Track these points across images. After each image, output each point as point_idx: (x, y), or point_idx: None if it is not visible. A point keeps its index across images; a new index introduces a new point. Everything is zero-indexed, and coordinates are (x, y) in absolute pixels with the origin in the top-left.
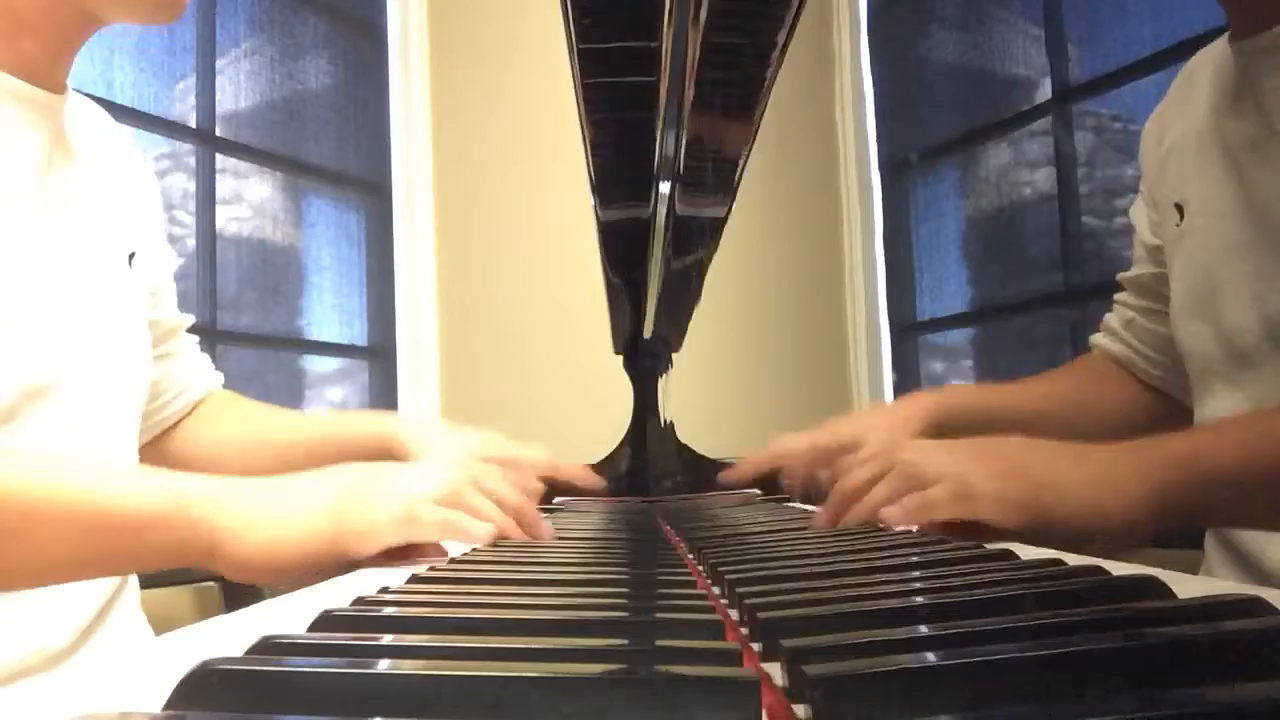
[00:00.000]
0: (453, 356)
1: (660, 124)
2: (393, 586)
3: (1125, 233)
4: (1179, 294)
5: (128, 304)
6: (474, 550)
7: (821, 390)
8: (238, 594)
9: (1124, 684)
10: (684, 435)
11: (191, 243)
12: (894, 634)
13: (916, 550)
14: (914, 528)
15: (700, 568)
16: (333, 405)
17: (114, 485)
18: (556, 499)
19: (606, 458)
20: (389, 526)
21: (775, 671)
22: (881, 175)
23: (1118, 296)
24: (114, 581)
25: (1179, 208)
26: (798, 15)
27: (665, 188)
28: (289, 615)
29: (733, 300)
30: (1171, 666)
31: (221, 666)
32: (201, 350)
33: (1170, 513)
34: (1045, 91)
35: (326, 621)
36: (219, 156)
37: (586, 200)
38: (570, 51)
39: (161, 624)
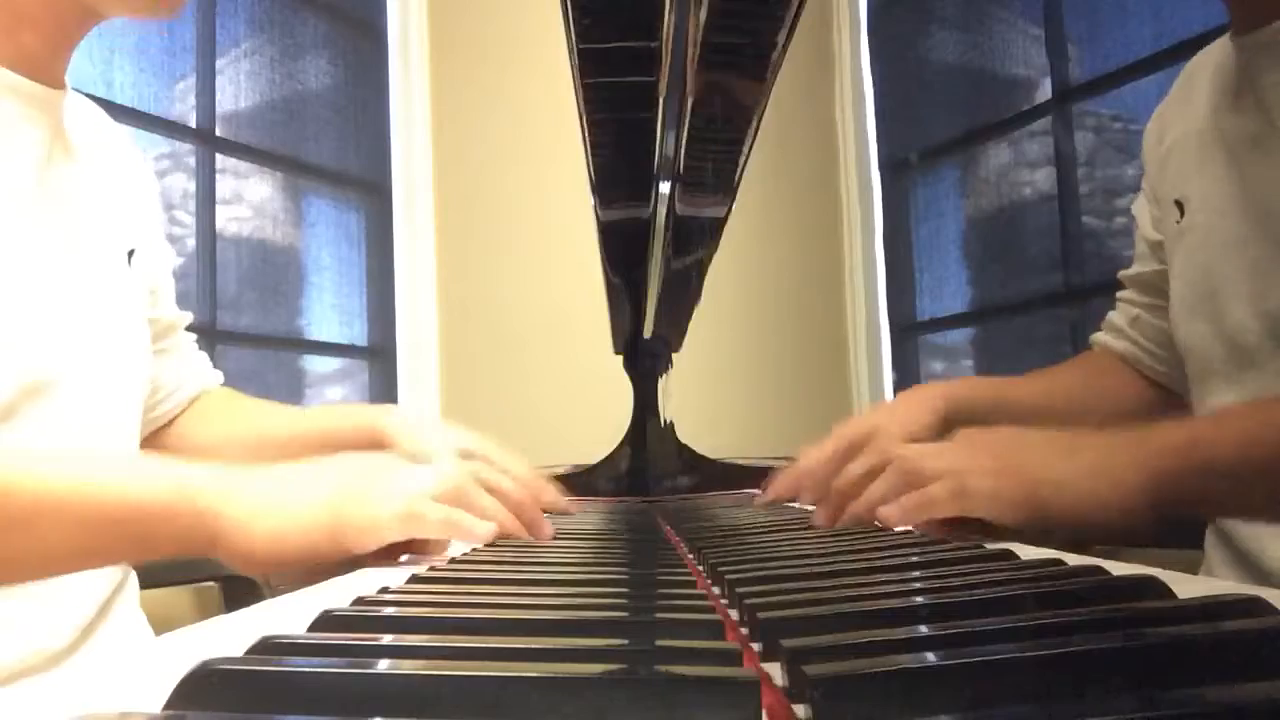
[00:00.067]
0: (453, 356)
1: (660, 124)
2: (393, 586)
3: (1125, 233)
4: (1179, 291)
5: (127, 301)
6: (474, 550)
7: (821, 390)
8: (238, 594)
9: (1124, 684)
10: (684, 435)
11: (191, 243)
12: (894, 634)
13: (916, 550)
14: (913, 528)
15: (700, 568)
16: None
17: (116, 475)
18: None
19: (606, 458)
20: (391, 523)
21: (775, 671)
22: (881, 175)
23: (1120, 295)
24: (113, 580)
25: (1179, 205)
26: (798, 15)
27: (665, 188)
28: (289, 615)
29: (733, 300)
30: (1171, 666)
31: (221, 666)
32: (200, 349)
33: (1167, 502)
34: (1045, 91)
35: (326, 621)
36: (219, 156)
37: (586, 200)
38: (570, 51)
39: (161, 624)
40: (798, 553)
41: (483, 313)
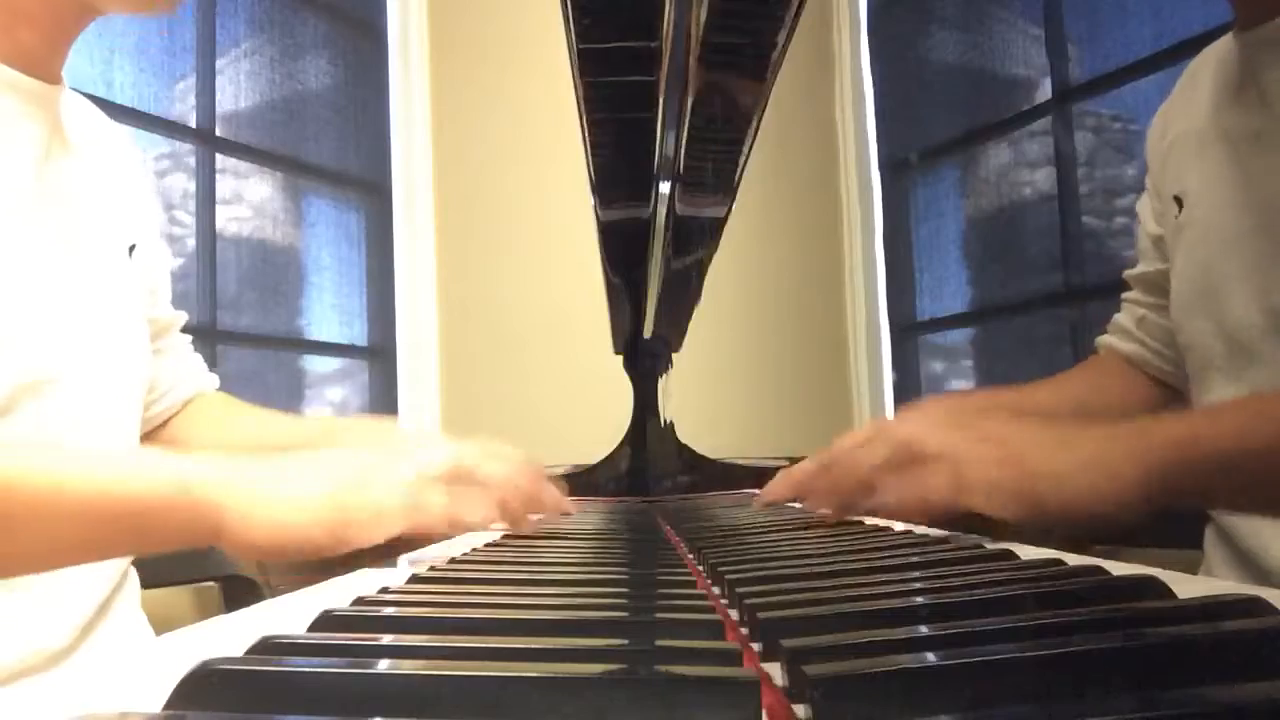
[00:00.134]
0: (453, 356)
1: (660, 124)
2: (393, 586)
3: (1126, 232)
4: (1179, 287)
5: (127, 297)
6: (474, 550)
7: (821, 390)
8: (238, 594)
9: (1124, 684)
10: (684, 435)
11: (191, 243)
12: (894, 634)
13: (916, 550)
14: (913, 527)
15: (700, 568)
16: (333, 405)
17: (118, 468)
18: None
19: (606, 458)
20: (394, 515)
21: (775, 671)
22: (881, 175)
23: (1126, 295)
24: (113, 580)
25: (1178, 200)
26: (798, 15)
27: (665, 188)
28: (289, 615)
29: (733, 300)
30: (1171, 666)
31: (221, 666)
32: (199, 351)
33: (1165, 495)
34: (1045, 91)
35: (326, 621)
36: (219, 156)
37: (586, 200)
38: (570, 51)
39: (161, 624)
40: (798, 553)
41: (483, 313)
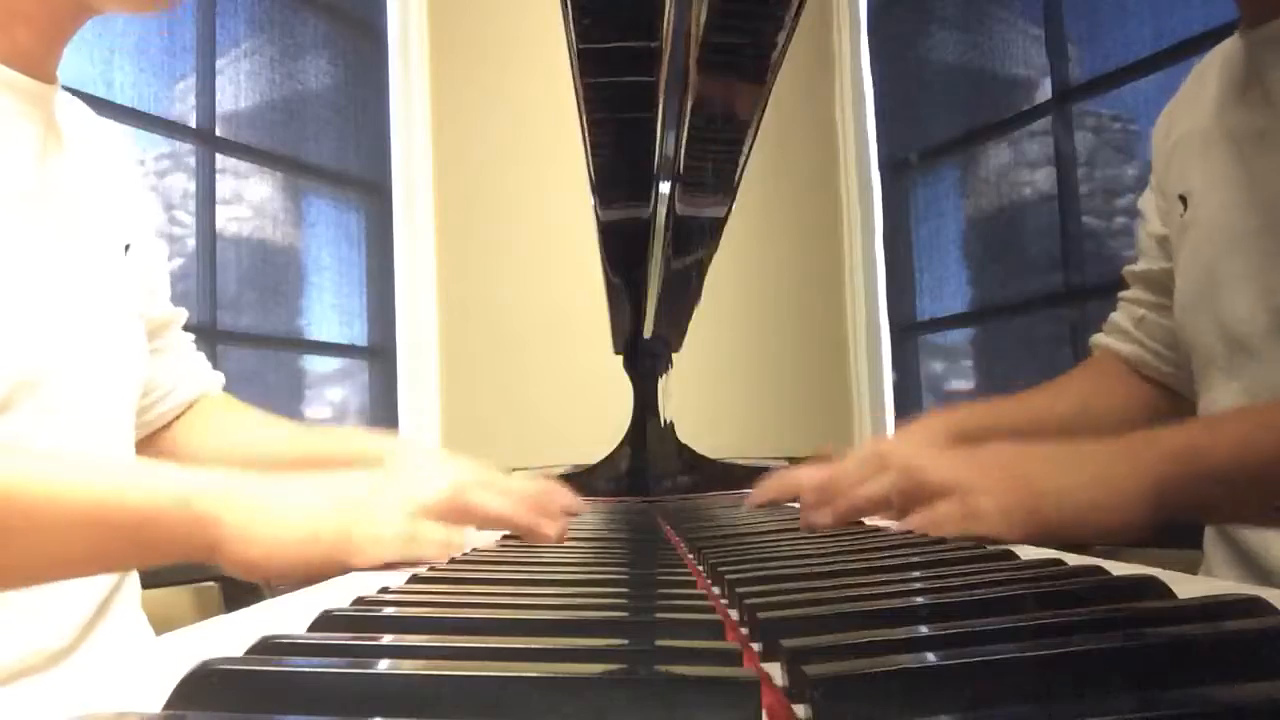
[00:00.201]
0: (453, 356)
1: (660, 124)
2: (393, 586)
3: (1126, 232)
4: (1183, 286)
5: (123, 295)
6: (474, 550)
7: (821, 390)
8: (238, 594)
9: (1124, 684)
10: (684, 435)
11: (191, 243)
12: (894, 634)
13: (916, 550)
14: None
15: (700, 568)
16: (333, 405)
17: (116, 481)
18: None
19: (606, 458)
20: (392, 544)
21: (775, 671)
22: (881, 175)
23: (1124, 294)
24: (113, 579)
25: (1183, 199)
26: (798, 15)
27: (665, 188)
28: (289, 615)
29: (733, 300)
30: (1171, 666)
31: (221, 666)
32: (201, 351)
33: (1167, 508)
34: (1045, 91)
35: (326, 621)
36: (219, 156)
37: (586, 200)
38: (570, 51)
39: (161, 624)
40: (798, 553)
41: (483, 313)
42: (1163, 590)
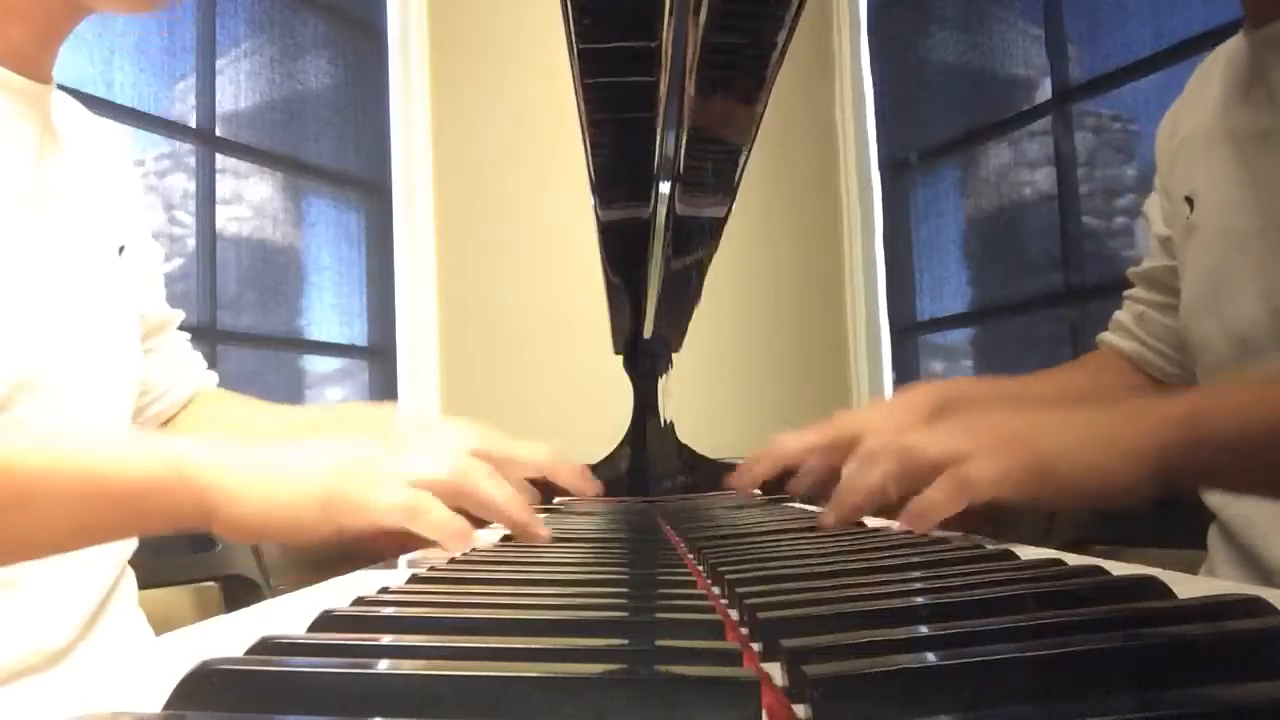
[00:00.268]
0: (453, 356)
1: (660, 124)
2: (393, 586)
3: (1126, 232)
4: (1188, 287)
5: (118, 296)
6: (474, 550)
7: (821, 390)
8: (238, 594)
9: (1124, 684)
10: (684, 435)
11: (191, 243)
12: (894, 634)
13: (916, 550)
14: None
15: (700, 568)
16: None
17: (110, 452)
18: (556, 499)
19: (606, 458)
20: (390, 509)
21: (775, 671)
22: (881, 175)
23: (1128, 292)
24: (111, 577)
25: (1189, 200)
26: (798, 15)
27: (665, 188)
28: (289, 615)
29: (733, 300)
30: (1171, 666)
31: (221, 666)
32: (199, 350)
33: (1168, 474)
34: (1045, 91)
35: (326, 621)
36: (219, 156)
37: (586, 200)
38: (570, 51)
39: (161, 624)
40: (798, 553)
41: (483, 313)
42: (1163, 590)
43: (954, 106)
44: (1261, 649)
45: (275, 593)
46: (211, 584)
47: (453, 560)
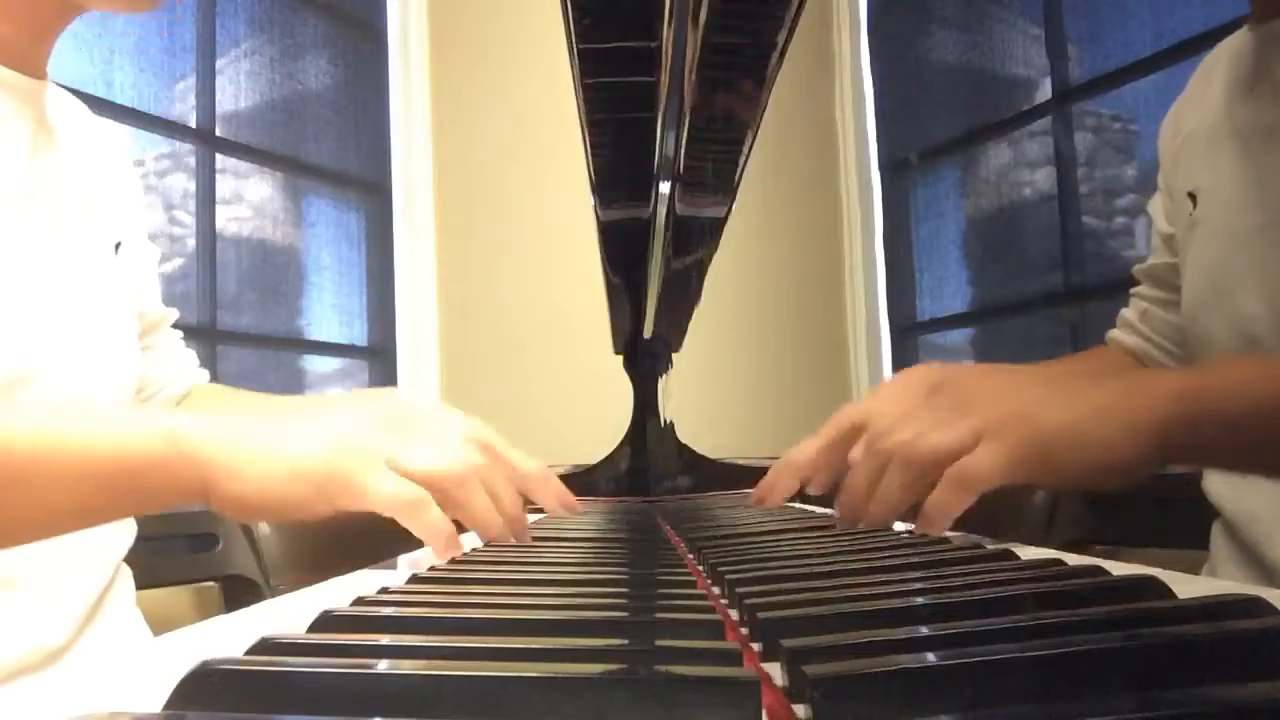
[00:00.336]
0: (453, 356)
1: (660, 124)
2: (393, 586)
3: (1126, 232)
4: (1191, 284)
5: (114, 293)
6: (474, 550)
7: (821, 390)
8: (238, 594)
9: (1124, 684)
10: (684, 435)
11: (191, 243)
12: (894, 634)
13: (916, 550)
14: (913, 526)
15: (700, 568)
16: None
17: (107, 429)
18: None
19: (606, 458)
20: (387, 501)
21: (775, 671)
22: (881, 175)
23: (1133, 290)
24: (108, 575)
25: (1192, 196)
26: (798, 15)
27: (665, 188)
28: (289, 615)
29: (733, 300)
30: (1171, 666)
31: (221, 666)
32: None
33: (1170, 449)
34: (1045, 91)
35: (326, 621)
36: (219, 156)
37: (586, 200)
38: (570, 51)
39: (161, 624)
40: (798, 553)
41: (483, 313)
42: (1163, 590)
43: (954, 106)
44: (1261, 649)
45: (275, 593)
46: (211, 584)
47: (453, 560)
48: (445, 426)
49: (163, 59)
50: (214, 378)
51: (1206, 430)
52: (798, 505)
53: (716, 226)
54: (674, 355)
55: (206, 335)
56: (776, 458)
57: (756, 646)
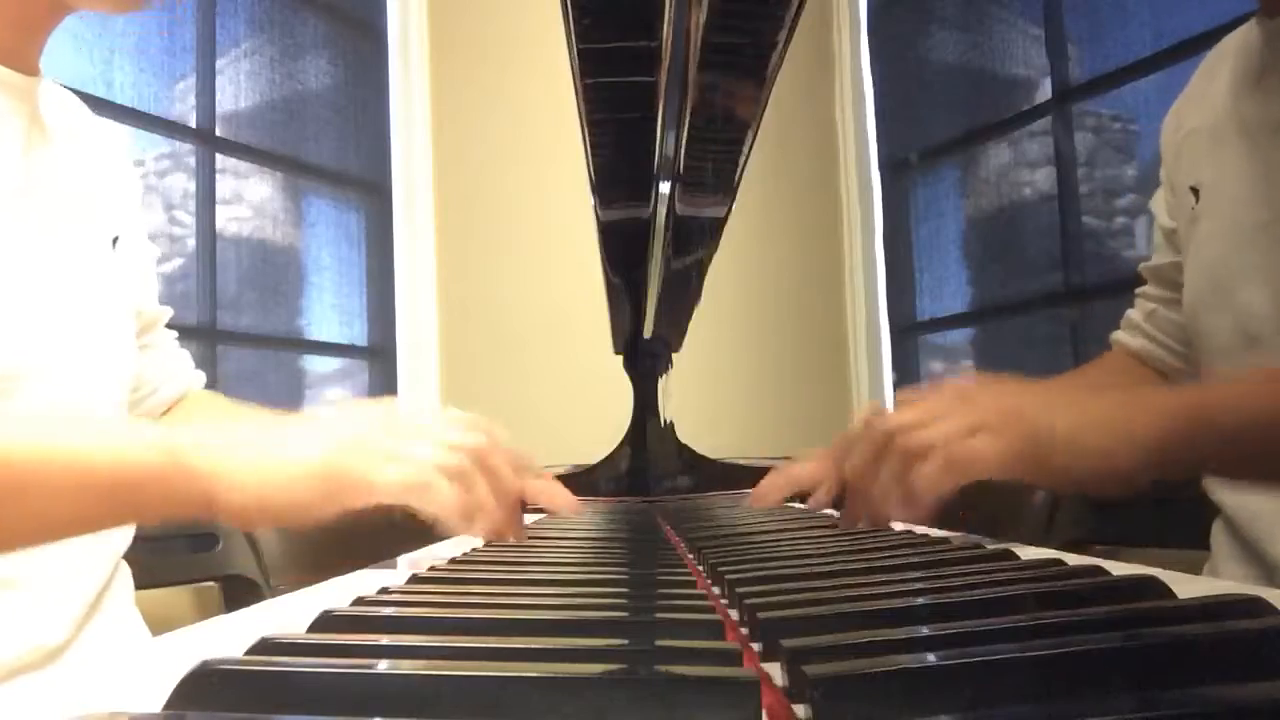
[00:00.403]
0: (453, 356)
1: (660, 124)
2: (392, 587)
3: (1126, 232)
4: (1192, 278)
5: (111, 289)
6: (474, 550)
7: (821, 390)
8: (238, 594)
9: (1124, 684)
10: (684, 435)
11: (191, 243)
12: (894, 634)
13: (916, 550)
14: (912, 527)
15: (700, 568)
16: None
17: (106, 441)
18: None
19: (606, 458)
20: (394, 487)
21: (775, 671)
22: (881, 175)
23: (1139, 289)
24: (106, 574)
25: (1194, 191)
26: (798, 15)
27: (665, 188)
28: (289, 615)
29: (733, 300)
30: (1171, 666)
31: (221, 666)
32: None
33: (1170, 462)
34: (1045, 91)
35: (326, 621)
36: (219, 156)
37: (586, 200)
38: (570, 51)
39: (161, 624)
40: (798, 553)
41: (483, 313)
42: (1163, 590)
43: (954, 106)
44: (1261, 649)
45: (275, 593)
46: (211, 584)
47: (453, 560)
48: (442, 423)
49: (163, 59)
50: (214, 378)
51: (1204, 443)
52: (798, 505)
53: (716, 226)
54: (674, 355)
55: (206, 335)
56: (776, 457)
57: (756, 646)
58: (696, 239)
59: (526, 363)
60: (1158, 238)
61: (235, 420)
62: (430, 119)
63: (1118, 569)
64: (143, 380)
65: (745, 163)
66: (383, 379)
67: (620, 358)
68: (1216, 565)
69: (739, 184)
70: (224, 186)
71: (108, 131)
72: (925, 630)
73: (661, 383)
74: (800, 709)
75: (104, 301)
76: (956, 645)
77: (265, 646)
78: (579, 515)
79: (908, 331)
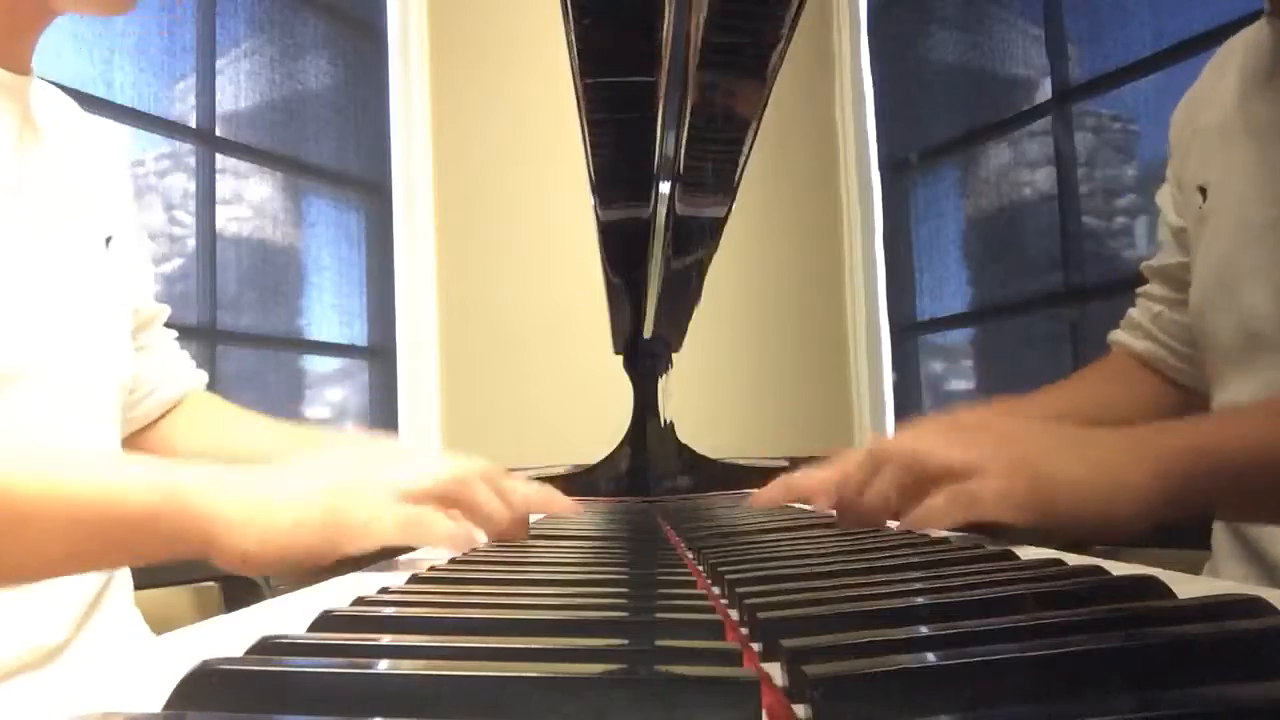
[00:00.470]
0: (453, 356)
1: (660, 124)
2: (393, 587)
3: (1125, 233)
4: (1199, 278)
5: (105, 287)
6: (474, 550)
7: (821, 390)
8: (238, 594)
9: (1124, 684)
10: (684, 435)
11: (191, 243)
12: (894, 634)
13: (916, 550)
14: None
15: (700, 568)
16: (332, 405)
17: (105, 480)
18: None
19: (606, 458)
20: (389, 528)
21: (775, 671)
22: (881, 175)
23: (1141, 290)
24: (105, 573)
25: (1202, 190)
26: (798, 15)
27: (665, 188)
28: (289, 615)
29: (733, 300)
30: (1171, 666)
31: (221, 666)
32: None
33: (1175, 504)
34: (1045, 91)
35: (326, 621)
36: (219, 156)
37: (586, 200)
38: (570, 51)
39: (161, 624)
40: (798, 553)
41: (483, 313)
42: (1163, 590)
43: (954, 106)
44: (1261, 649)
45: (275, 593)
46: (211, 584)
47: (453, 560)
48: (438, 456)
49: (163, 59)
50: (214, 378)
51: (1212, 484)
52: (798, 505)
53: (716, 226)
54: (674, 355)
55: (206, 335)
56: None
57: (756, 646)
58: (696, 239)
59: (526, 363)
60: (1164, 235)
61: (238, 428)
62: (430, 119)
63: (1118, 569)
64: (140, 380)
65: (745, 163)
66: (383, 379)
67: (620, 358)
68: (1217, 565)
69: (739, 184)
70: (224, 186)
71: (101, 130)
72: (925, 630)
73: (661, 383)
74: (800, 709)
75: (98, 301)
76: (956, 645)
77: (265, 646)
78: (579, 515)
79: (908, 331)
